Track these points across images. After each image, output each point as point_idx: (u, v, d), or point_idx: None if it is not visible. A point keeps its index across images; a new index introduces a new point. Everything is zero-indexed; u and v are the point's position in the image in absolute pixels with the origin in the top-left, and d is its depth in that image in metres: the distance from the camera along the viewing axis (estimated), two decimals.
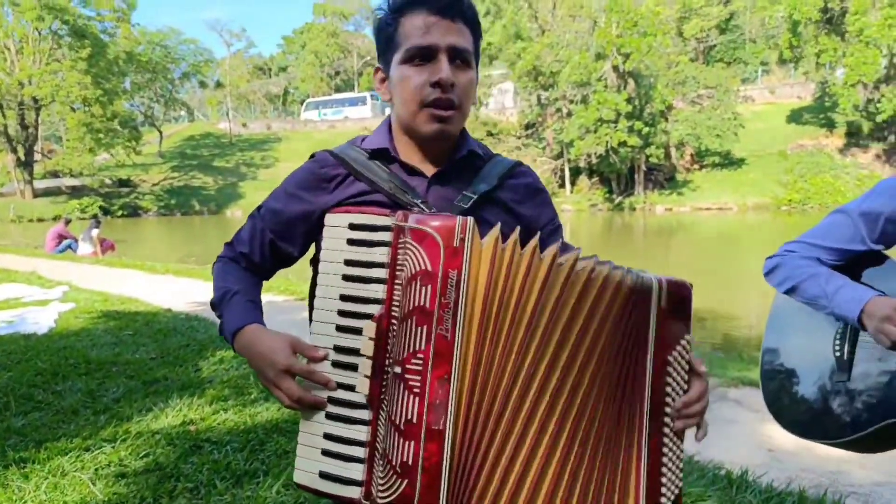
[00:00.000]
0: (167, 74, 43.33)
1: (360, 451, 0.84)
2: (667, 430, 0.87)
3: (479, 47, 1.01)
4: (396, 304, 0.83)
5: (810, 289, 1.36)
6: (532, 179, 1.09)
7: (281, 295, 6.30)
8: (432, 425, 0.79)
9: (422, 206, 0.95)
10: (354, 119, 41.45)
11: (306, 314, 1.01)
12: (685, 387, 0.88)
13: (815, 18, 26.59)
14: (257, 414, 2.92)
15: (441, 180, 1.01)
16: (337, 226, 0.89)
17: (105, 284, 7.67)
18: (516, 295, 0.81)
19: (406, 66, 0.95)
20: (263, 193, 1.08)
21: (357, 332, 0.85)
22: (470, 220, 0.81)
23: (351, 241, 0.87)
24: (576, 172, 30.47)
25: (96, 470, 2.37)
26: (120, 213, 32.69)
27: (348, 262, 0.87)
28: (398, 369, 0.81)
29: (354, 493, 0.84)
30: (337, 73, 51.42)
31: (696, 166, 29.59)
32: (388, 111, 1.09)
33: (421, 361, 0.80)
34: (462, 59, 0.95)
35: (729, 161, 28.78)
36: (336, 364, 0.87)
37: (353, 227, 0.87)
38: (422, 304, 0.80)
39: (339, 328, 0.87)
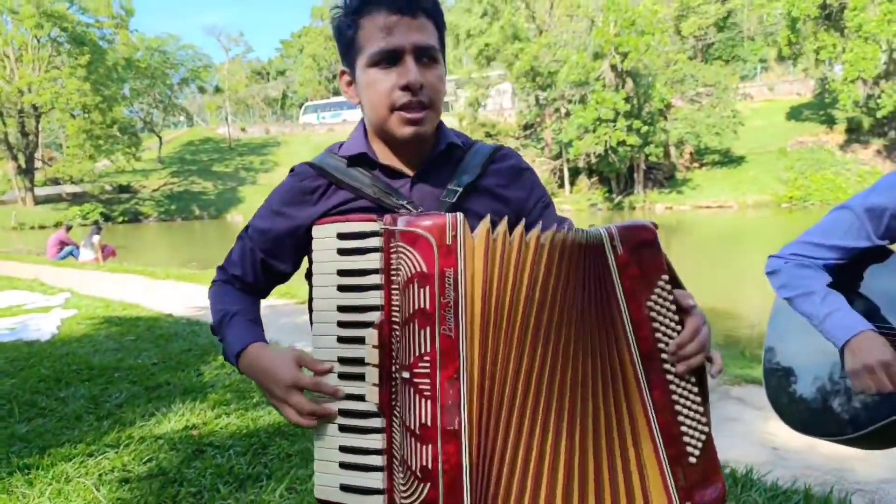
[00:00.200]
0: (166, 80, 43.35)
1: (377, 460, 0.84)
2: (670, 377, 0.83)
3: (444, 38, 0.98)
4: (396, 308, 0.82)
5: (804, 306, 1.36)
6: (515, 161, 1.07)
7: (282, 299, 6.30)
8: (447, 426, 0.78)
9: (408, 206, 0.94)
10: (353, 122, 41.29)
11: (307, 317, 1.01)
12: (678, 328, 0.84)
13: (813, 14, 26.55)
14: (259, 418, 2.92)
15: (424, 178, 1.00)
16: (325, 237, 0.88)
17: (107, 290, 7.68)
18: (511, 285, 0.81)
19: (372, 69, 0.93)
20: (263, 197, 1.08)
21: (359, 341, 0.84)
22: (460, 216, 0.81)
23: (341, 251, 0.86)
24: (575, 172, 30.43)
25: (100, 475, 2.37)
26: (121, 219, 32.69)
27: (342, 273, 0.86)
28: (406, 374, 0.81)
29: (377, 502, 0.83)
30: (335, 77, 51.37)
31: (695, 164, 29.55)
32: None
33: (428, 364, 0.79)
34: (428, 56, 0.93)
35: (729, 159, 28.74)
36: (342, 376, 0.86)
37: (341, 236, 0.86)
38: (422, 306, 0.79)
39: (341, 339, 0.86)
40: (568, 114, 28.49)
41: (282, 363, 0.91)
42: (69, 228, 13.69)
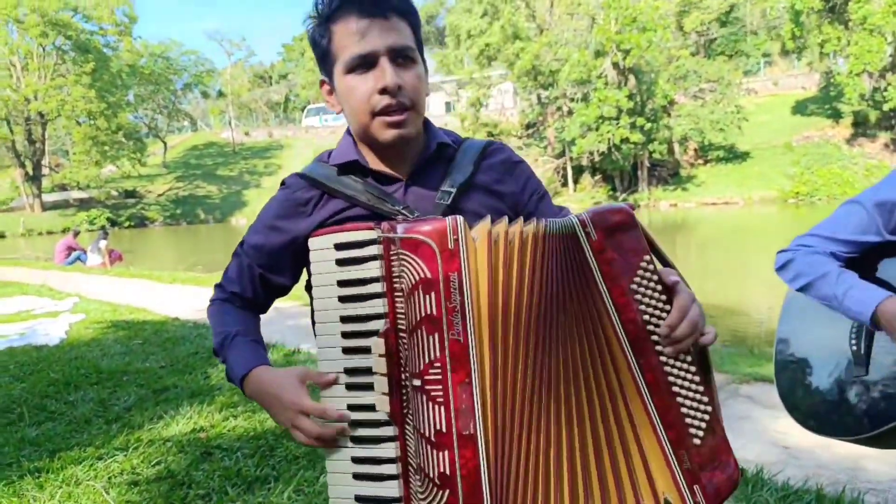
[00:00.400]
0: (170, 86, 43.62)
1: (392, 468, 0.83)
2: (663, 358, 0.82)
3: (420, 36, 0.96)
4: (401, 316, 0.81)
5: (822, 288, 1.33)
6: (507, 154, 1.06)
7: (287, 301, 6.30)
8: (462, 431, 0.77)
9: (403, 211, 0.93)
10: None
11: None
12: (667, 307, 0.82)
13: (817, 7, 26.38)
14: (266, 420, 2.92)
15: (417, 181, 0.98)
16: (322, 248, 0.87)
17: (114, 295, 7.73)
18: (514, 284, 0.80)
19: (349, 76, 0.92)
20: (267, 200, 1.07)
21: (365, 351, 0.84)
22: (460, 219, 0.80)
23: (340, 262, 0.85)
24: (578, 171, 30.37)
25: (109, 478, 2.38)
26: (127, 223, 32.91)
27: (342, 283, 0.85)
28: (417, 382, 0.80)
29: None
30: None
31: (700, 161, 29.43)
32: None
33: (439, 370, 0.78)
34: (404, 56, 0.91)
35: (733, 155, 28.60)
36: (350, 386, 0.86)
37: (339, 246, 0.85)
38: (429, 312, 0.79)
39: (346, 350, 0.86)
40: (570, 112, 28.44)
41: (286, 386, 0.90)
42: (77, 234, 13.80)
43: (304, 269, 0.99)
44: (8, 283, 9.49)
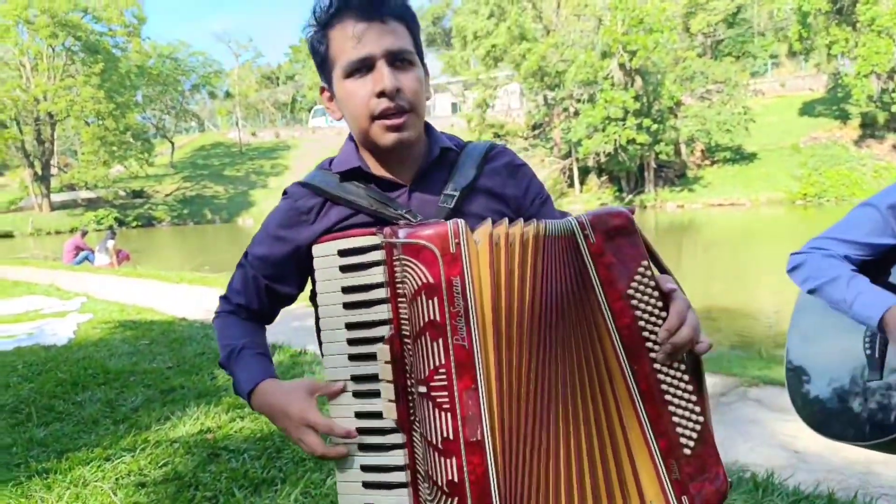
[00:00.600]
0: (178, 86, 43.84)
1: (401, 476, 0.83)
2: (657, 366, 0.80)
3: (420, 39, 0.96)
4: (405, 322, 0.81)
5: (832, 292, 1.33)
6: (509, 157, 1.05)
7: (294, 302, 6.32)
8: (470, 438, 0.77)
9: (407, 216, 0.93)
10: None
11: None
12: (663, 314, 0.81)
13: (824, 9, 26.21)
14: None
15: (420, 186, 0.98)
16: (326, 255, 0.86)
17: (121, 295, 7.76)
18: (516, 287, 0.79)
19: (348, 81, 0.91)
20: (274, 201, 1.06)
21: (371, 357, 0.84)
22: (461, 222, 0.79)
23: (344, 268, 0.85)
24: (584, 172, 30.29)
25: (117, 480, 2.39)
26: (134, 223, 33.09)
27: (346, 290, 0.85)
28: (423, 388, 0.79)
29: None
30: None
31: (706, 162, 29.28)
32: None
33: (444, 376, 0.78)
34: (402, 59, 0.91)
35: (740, 156, 28.44)
36: (357, 394, 0.86)
37: (342, 253, 0.85)
38: (432, 318, 0.78)
39: (352, 357, 0.85)
40: (577, 113, 28.37)
41: (293, 399, 0.89)
42: (85, 234, 13.88)
43: (309, 278, 0.99)
44: (16, 282, 9.55)
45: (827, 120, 29.12)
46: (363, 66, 0.90)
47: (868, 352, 1.34)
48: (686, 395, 0.81)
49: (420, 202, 0.97)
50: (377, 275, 0.83)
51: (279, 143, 43.70)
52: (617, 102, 25.45)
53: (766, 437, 2.71)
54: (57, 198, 34.76)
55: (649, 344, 0.81)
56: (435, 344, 0.78)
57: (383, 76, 0.89)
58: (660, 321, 0.81)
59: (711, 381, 3.41)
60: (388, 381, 0.82)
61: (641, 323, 0.80)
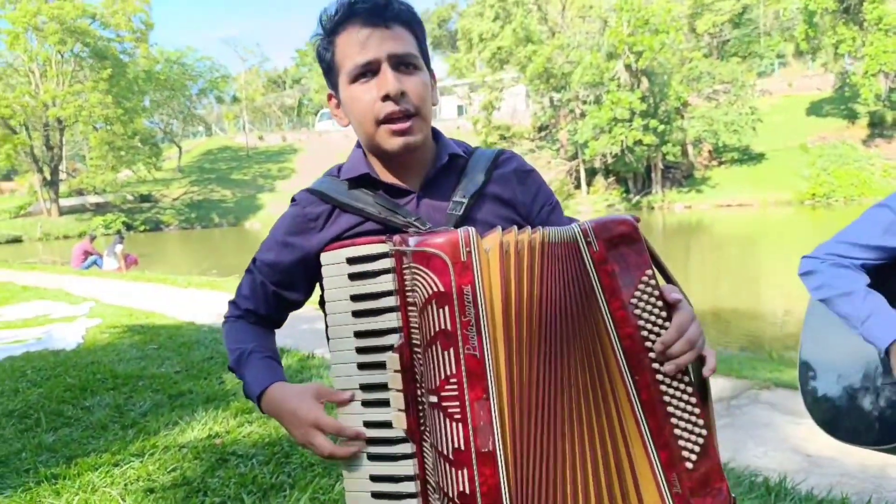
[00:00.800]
0: (185, 91, 44.15)
1: (411, 486, 0.82)
2: (659, 377, 0.79)
3: (425, 45, 0.96)
4: (415, 331, 0.80)
5: (844, 306, 1.31)
6: (518, 163, 1.05)
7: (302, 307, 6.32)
8: (482, 448, 0.76)
9: (416, 224, 0.92)
10: None
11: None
12: (666, 324, 0.80)
13: (831, 8, 26.05)
14: (281, 426, 2.92)
15: (429, 193, 0.98)
16: (334, 263, 0.86)
17: (130, 299, 7.80)
18: (526, 294, 0.79)
19: (353, 86, 0.92)
20: (281, 204, 1.06)
21: (380, 366, 0.83)
22: (472, 230, 0.79)
23: (352, 276, 0.84)
24: (591, 173, 30.23)
25: (125, 485, 2.39)
26: (142, 227, 33.33)
27: (355, 298, 0.84)
28: (434, 398, 0.78)
29: None
30: None
31: (714, 163, 29.15)
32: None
33: (455, 386, 0.77)
34: (406, 63, 0.91)
35: (748, 156, 28.29)
36: (366, 403, 0.85)
37: (350, 261, 0.84)
38: (443, 327, 0.77)
39: (361, 366, 0.85)
40: (583, 114, 28.33)
41: (302, 403, 0.89)
42: (93, 238, 13.98)
43: (318, 284, 0.98)
44: (26, 287, 9.62)
45: (835, 119, 28.92)
46: (368, 71, 0.90)
47: (882, 354, 1.32)
48: (689, 408, 0.80)
49: (429, 209, 0.97)
50: (386, 283, 0.82)
51: (286, 147, 43.91)
52: (623, 103, 25.39)
53: (778, 440, 2.67)
54: (65, 202, 35.06)
55: (652, 355, 0.79)
56: (446, 353, 0.77)
57: (388, 80, 0.89)
58: (663, 331, 0.79)
59: (721, 384, 3.37)
60: (398, 391, 0.81)
61: (644, 333, 0.79)
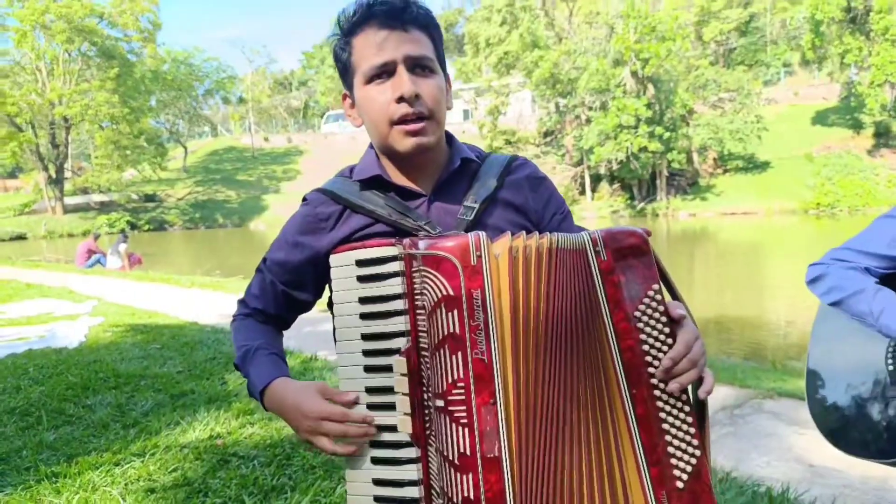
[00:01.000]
0: (191, 92, 44.40)
1: (414, 492, 0.81)
2: (657, 392, 0.79)
3: (442, 49, 0.96)
4: (423, 334, 0.80)
5: (857, 304, 1.31)
6: (531, 170, 1.05)
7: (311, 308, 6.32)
8: (487, 454, 0.75)
9: (426, 227, 0.92)
10: None
11: (332, 325, 0.99)
12: (669, 340, 0.79)
13: (838, 18, 26.06)
14: (283, 428, 2.91)
15: (441, 196, 0.97)
16: (343, 265, 0.86)
17: (133, 298, 7.82)
18: (534, 300, 0.78)
19: (368, 86, 0.92)
20: (285, 205, 1.07)
21: (387, 369, 0.82)
22: (482, 234, 0.79)
23: (361, 278, 0.84)
24: (596, 179, 30.23)
25: (126, 485, 2.39)
26: (146, 227, 33.44)
27: (363, 300, 0.84)
28: (440, 402, 0.78)
29: None
30: None
31: (719, 171, 29.11)
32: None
33: (462, 390, 0.76)
34: (422, 66, 0.91)
35: (753, 165, 28.26)
36: (371, 406, 0.84)
37: (360, 263, 0.84)
38: (451, 330, 0.77)
39: (368, 368, 0.84)
40: (588, 120, 28.35)
41: (306, 397, 0.89)
42: (97, 237, 14.05)
43: (327, 285, 0.98)
44: (29, 284, 9.65)
45: (840, 129, 28.88)
46: (384, 72, 0.91)
47: (891, 367, 1.31)
48: (685, 427, 0.79)
49: (440, 212, 0.97)
50: (395, 286, 0.82)
51: (291, 149, 44.05)
52: (629, 110, 25.41)
53: (781, 450, 2.66)
54: (70, 201, 35.22)
55: (651, 369, 0.79)
56: (454, 357, 0.77)
57: (403, 81, 0.89)
58: (665, 347, 0.79)
59: (725, 393, 3.35)
60: (404, 394, 0.81)
61: (645, 347, 0.79)
